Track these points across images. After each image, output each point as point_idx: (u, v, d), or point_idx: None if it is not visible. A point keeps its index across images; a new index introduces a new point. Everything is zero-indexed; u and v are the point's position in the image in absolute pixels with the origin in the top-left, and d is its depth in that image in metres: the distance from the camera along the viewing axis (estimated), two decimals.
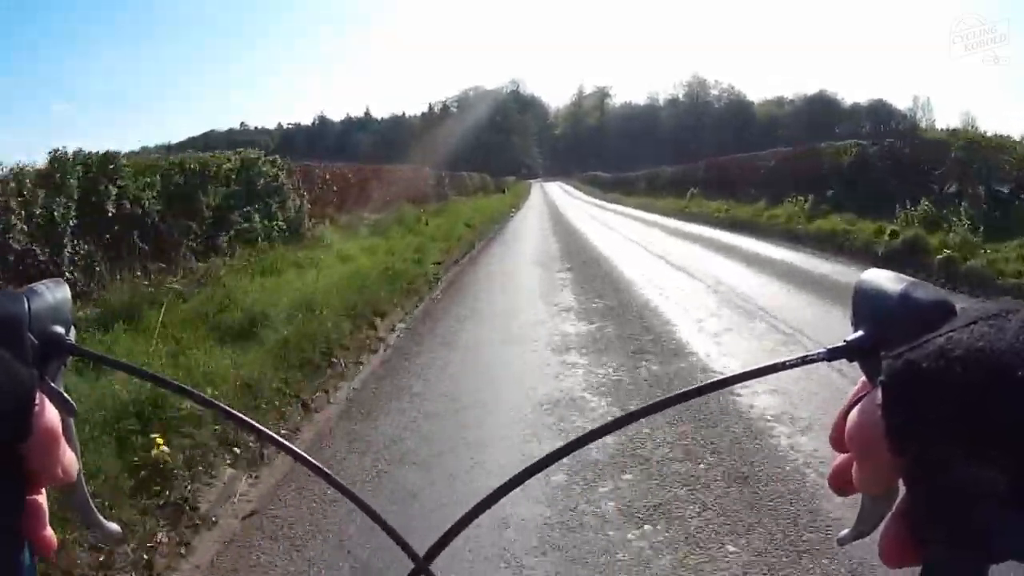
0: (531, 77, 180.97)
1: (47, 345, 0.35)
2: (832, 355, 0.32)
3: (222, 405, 0.41)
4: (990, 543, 0.26)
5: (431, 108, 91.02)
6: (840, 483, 0.32)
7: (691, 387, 0.35)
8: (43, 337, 0.35)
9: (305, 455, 0.41)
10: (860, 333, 0.32)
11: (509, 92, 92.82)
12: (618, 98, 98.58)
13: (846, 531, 0.35)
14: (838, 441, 0.32)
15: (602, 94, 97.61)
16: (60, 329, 0.36)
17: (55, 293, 0.37)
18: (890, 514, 0.30)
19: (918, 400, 0.27)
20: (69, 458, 0.34)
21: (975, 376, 0.25)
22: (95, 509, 0.38)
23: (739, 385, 3.53)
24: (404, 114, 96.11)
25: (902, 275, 0.32)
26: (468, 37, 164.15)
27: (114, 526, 0.39)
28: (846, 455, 0.32)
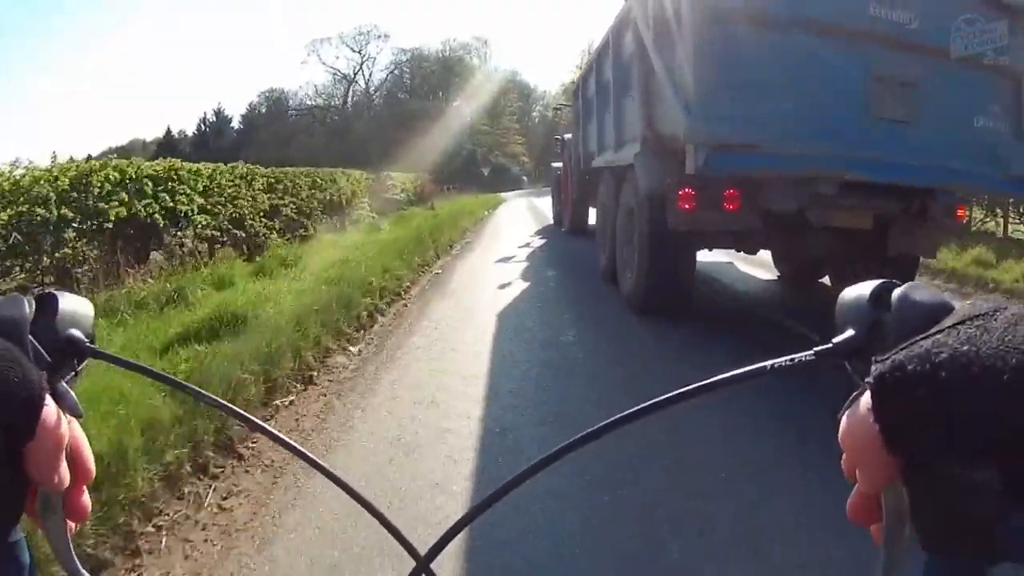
0: (508, 47, 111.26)
1: (65, 347, 0.35)
2: (820, 356, 0.32)
3: (234, 408, 0.42)
4: (989, 542, 0.26)
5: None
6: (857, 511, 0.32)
7: (679, 391, 0.34)
8: (60, 339, 0.35)
9: (314, 458, 0.42)
10: (849, 334, 0.32)
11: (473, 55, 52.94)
12: None
13: None
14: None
15: None
16: (78, 333, 0.36)
17: (75, 300, 0.37)
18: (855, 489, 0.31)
19: (906, 403, 0.27)
20: (64, 470, 0.33)
21: (960, 379, 0.26)
22: (73, 553, 0.35)
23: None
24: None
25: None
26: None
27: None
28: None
